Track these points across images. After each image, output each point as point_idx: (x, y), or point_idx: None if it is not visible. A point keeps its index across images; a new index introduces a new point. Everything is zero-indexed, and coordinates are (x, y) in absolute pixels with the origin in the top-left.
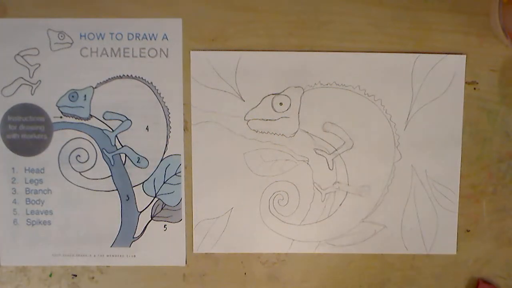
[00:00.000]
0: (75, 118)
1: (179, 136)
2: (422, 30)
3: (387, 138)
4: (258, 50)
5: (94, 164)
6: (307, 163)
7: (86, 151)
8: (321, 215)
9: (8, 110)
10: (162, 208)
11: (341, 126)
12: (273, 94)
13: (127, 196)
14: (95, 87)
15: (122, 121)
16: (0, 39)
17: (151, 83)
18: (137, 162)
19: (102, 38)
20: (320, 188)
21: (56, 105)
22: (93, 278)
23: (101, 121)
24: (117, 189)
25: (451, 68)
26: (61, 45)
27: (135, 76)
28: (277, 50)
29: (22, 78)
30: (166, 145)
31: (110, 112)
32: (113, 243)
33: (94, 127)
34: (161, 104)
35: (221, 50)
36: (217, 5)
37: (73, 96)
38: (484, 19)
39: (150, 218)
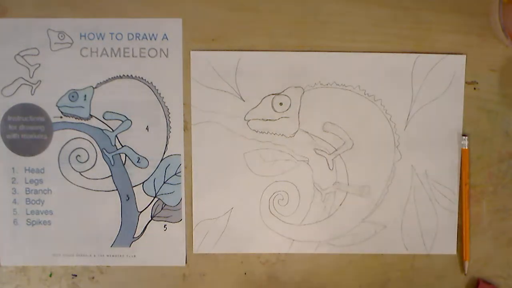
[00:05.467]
0: (75, 118)
1: (179, 136)
2: (422, 30)
3: (387, 138)
4: (258, 50)
5: (94, 164)
6: (307, 163)
7: (86, 151)
8: (321, 215)
9: (8, 110)
10: (162, 208)
11: (341, 126)
12: (273, 94)
13: (127, 196)
14: (95, 87)
15: (122, 121)
16: (0, 39)
17: (151, 83)
18: (137, 162)
19: (102, 38)
20: (320, 188)
21: (56, 105)
22: (93, 278)
23: (101, 121)
24: (117, 189)
25: (451, 68)
26: (61, 45)
27: (135, 76)
28: (277, 50)
29: (22, 78)
30: (166, 145)
31: (110, 112)
32: (113, 243)
33: (94, 127)
34: (161, 104)
35: (221, 50)
36: (217, 5)
37: (73, 96)
38: (484, 19)
39: (150, 218)
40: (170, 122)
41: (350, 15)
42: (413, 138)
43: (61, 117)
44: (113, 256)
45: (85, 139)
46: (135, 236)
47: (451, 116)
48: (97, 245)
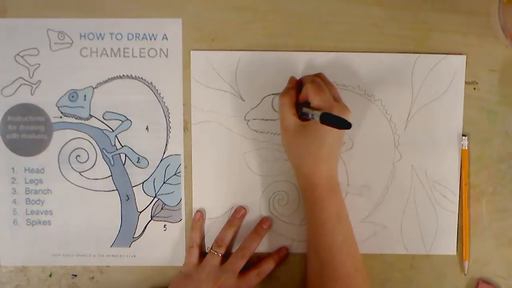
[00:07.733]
0: (75, 118)
1: (179, 136)
2: (422, 30)
3: (387, 138)
4: (258, 50)
5: (94, 164)
6: None
7: (86, 151)
8: None
9: (8, 110)
10: (162, 208)
11: None
12: (273, 94)
13: (127, 196)
14: (95, 87)
15: (122, 121)
16: (0, 39)
17: (151, 83)
18: (137, 162)
19: (102, 38)
20: None
21: (56, 105)
22: (93, 278)
23: (101, 121)
24: (117, 189)
25: (451, 68)
26: (61, 45)
27: (135, 76)
28: (277, 50)
29: (22, 78)
30: (166, 145)
31: (110, 112)
32: (113, 243)
33: (94, 127)
34: (161, 104)
35: (221, 50)
36: (217, 5)
37: (73, 96)
38: (484, 19)
39: (150, 218)
40: (170, 122)
41: (350, 15)
42: (413, 138)
43: (61, 117)
44: (113, 256)
45: (85, 139)
46: (135, 236)
47: (451, 116)
48: (97, 245)
